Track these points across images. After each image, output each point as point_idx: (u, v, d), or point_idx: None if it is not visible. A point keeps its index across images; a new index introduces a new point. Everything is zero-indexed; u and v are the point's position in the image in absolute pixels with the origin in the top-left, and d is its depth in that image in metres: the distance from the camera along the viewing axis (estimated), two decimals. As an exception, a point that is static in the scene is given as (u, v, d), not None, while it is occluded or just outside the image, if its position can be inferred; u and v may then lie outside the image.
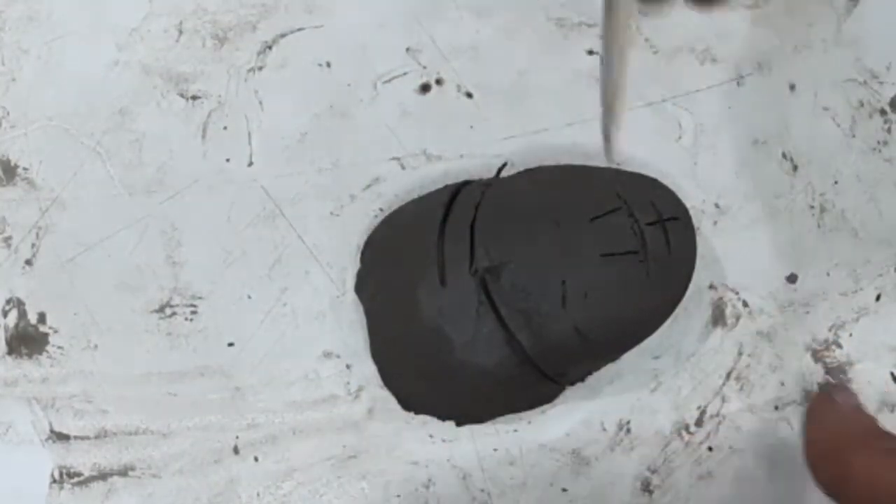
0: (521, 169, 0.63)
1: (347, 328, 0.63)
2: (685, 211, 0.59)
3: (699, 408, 0.63)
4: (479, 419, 0.61)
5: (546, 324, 0.55)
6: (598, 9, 0.50)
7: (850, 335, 0.64)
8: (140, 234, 0.63)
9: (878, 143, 0.66)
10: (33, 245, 0.63)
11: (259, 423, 0.62)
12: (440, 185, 0.63)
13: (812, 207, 0.65)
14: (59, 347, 0.63)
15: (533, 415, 0.62)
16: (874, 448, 0.56)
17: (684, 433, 0.63)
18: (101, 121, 0.65)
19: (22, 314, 0.63)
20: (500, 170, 0.64)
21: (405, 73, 0.66)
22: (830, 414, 0.61)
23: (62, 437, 0.62)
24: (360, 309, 0.62)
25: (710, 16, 0.68)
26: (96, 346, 0.63)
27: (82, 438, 0.62)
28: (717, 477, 0.63)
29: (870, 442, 0.57)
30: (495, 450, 0.62)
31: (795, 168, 0.66)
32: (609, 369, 0.61)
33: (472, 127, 0.65)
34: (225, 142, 0.65)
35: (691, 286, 0.60)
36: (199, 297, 0.63)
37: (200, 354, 0.63)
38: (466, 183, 0.62)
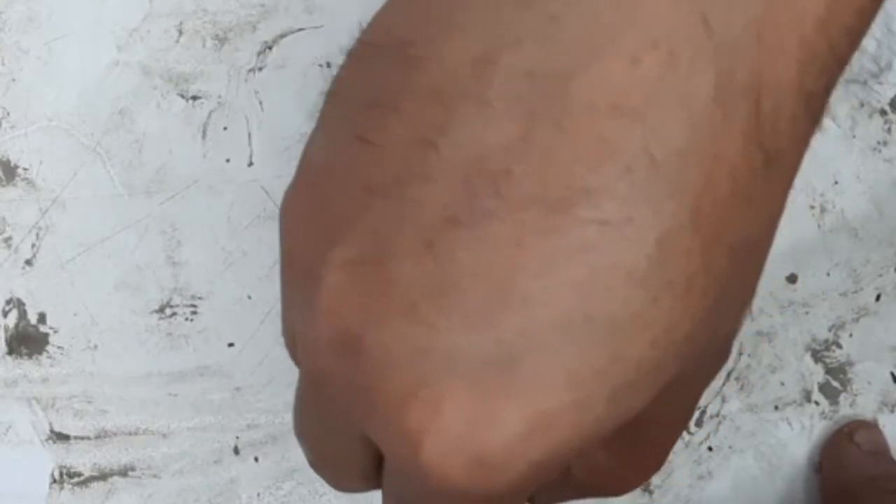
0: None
1: (347, 328, 0.63)
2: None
3: (699, 408, 0.63)
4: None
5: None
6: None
7: (850, 335, 0.64)
8: (140, 234, 0.63)
9: (878, 143, 0.66)
10: (33, 245, 0.63)
11: (259, 423, 0.62)
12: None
13: (812, 208, 0.65)
14: (59, 347, 0.63)
15: (533, 415, 0.62)
16: (884, 491, 0.57)
17: (684, 433, 0.63)
18: (101, 121, 0.65)
19: (22, 314, 0.63)
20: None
21: (405, 74, 0.66)
22: (848, 456, 0.62)
23: (62, 438, 0.62)
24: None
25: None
26: (96, 346, 0.63)
27: (82, 438, 0.62)
28: (717, 477, 0.63)
29: (881, 485, 0.58)
30: (495, 450, 0.62)
31: (795, 168, 0.66)
32: (609, 369, 0.61)
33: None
34: (225, 142, 0.65)
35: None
36: (199, 298, 0.63)
37: (200, 354, 0.63)
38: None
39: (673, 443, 0.22)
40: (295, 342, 0.21)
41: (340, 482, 0.23)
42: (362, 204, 0.19)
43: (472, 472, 0.18)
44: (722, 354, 0.21)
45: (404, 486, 0.20)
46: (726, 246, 0.18)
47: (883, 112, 0.67)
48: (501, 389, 0.18)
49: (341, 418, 0.21)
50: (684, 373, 0.20)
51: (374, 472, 0.22)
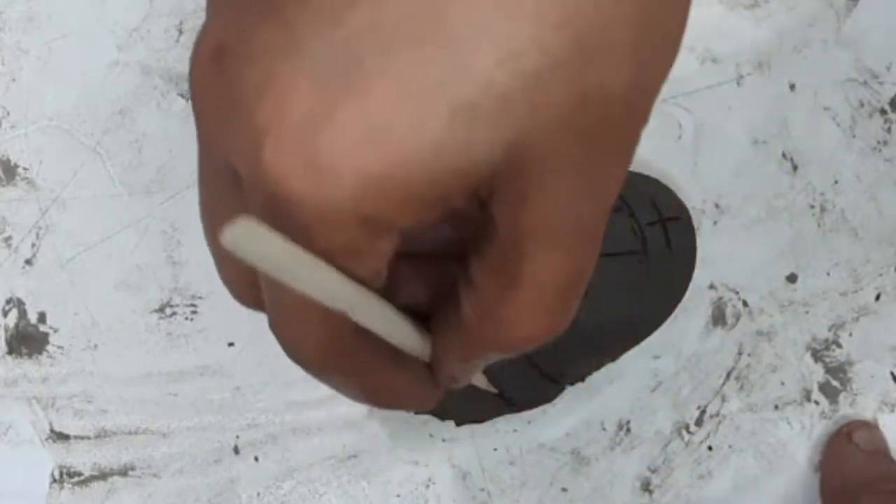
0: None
1: (347, 328, 0.63)
2: (685, 211, 0.59)
3: (699, 407, 0.63)
4: (479, 419, 0.61)
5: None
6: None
7: (850, 335, 0.64)
8: (140, 234, 0.63)
9: (878, 143, 0.66)
10: (33, 245, 0.63)
11: (259, 422, 0.62)
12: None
13: (812, 207, 0.65)
14: (59, 347, 0.63)
15: (533, 415, 0.62)
16: (883, 492, 0.57)
17: (684, 433, 0.63)
18: (101, 121, 0.65)
19: (22, 314, 0.63)
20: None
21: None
22: (847, 456, 0.62)
23: (62, 437, 0.62)
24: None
25: (711, 15, 0.68)
26: (96, 346, 0.63)
27: (82, 438, 0.62)
28: (717, 477, 0.63)
29: (880, 486, 0.58)
30: (495, 449, 0.62)
31: (795, 168, 0.66)
32: (609, 369, 0.61)
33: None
34: (225, 142, 0.65)
35: (691, 286, 0.60)
36: (200, 297, 0.63)
37: (200, 354, 0.63)
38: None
39: (562, 281, 0.21)
40: None
41: (234, 280, 0.22)
42: None
43: (305, 174, 0.18)
44: (604, 159, 0.20)
45: (253, 207, 0.20)
46: None
47: (883, 112, 0.67)
48: (342, 89, 0.18)
49: (213, 151, 0.20)
50: (552, 158, 0.19)
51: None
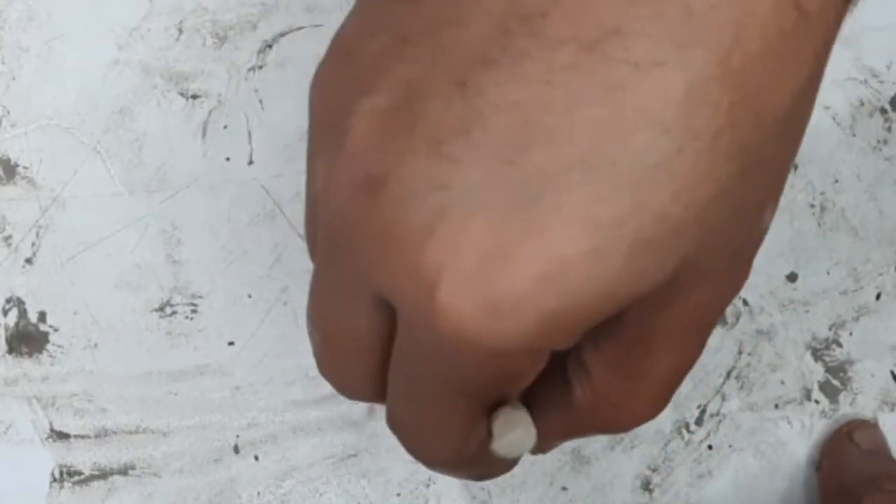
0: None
1: (347, 327, 0.63)
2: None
3: (699, 406, 0.63)
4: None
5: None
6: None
7: (851, 334, 0.64)
8: (140, 233, 0.63)
9: (878, 142, 0.66)
10: (33, 244, 0.63)
11: (259, 422, 0.62)
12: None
13: (812, 207, 0.65)
14: (60, 346, 0.63)
15: (533, 414, 0.62)
16: (883, 491, 0.57)
17: (684, 432, 0.63)
18: (101, 120, 0.65)
19: (22, 313, 0.63)
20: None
21: (405, 72, 0.66)
22: (847, 455, 0.62)
23: (62, 436, 0.62)
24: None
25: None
26: (96, 345, 0.63)
27: (82, 437, 0.62)
28: (717, 476, 0.63)
29: (880, 485, 0.58)
30: (495, 449, 0.62)
31: (795, 167, 0.66)
32: (609, 368, 0.61)
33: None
34: (225, 141, 0.65)
35: (691, 285, 0.60)
36: (200, 296, 0.63)
37: (201, 353, 0.63)
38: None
39: (679, 375, 0.22)
40: (314, 216, 0.21)
41: (348, 378, 0.22)
42: (394, 55, 0.19)
43: (485, 315, 0.18)
44: (741, 264, 0.20)
45: (415, 344, 0.20)
46: (754, 110, 0.18)
47: (883, 111, 0.67)
48: (520, 228, 0.18)
49: (355, 277, 0.20)
50: (701, 271, 0.19)
51: (384, 355, 0.21)
